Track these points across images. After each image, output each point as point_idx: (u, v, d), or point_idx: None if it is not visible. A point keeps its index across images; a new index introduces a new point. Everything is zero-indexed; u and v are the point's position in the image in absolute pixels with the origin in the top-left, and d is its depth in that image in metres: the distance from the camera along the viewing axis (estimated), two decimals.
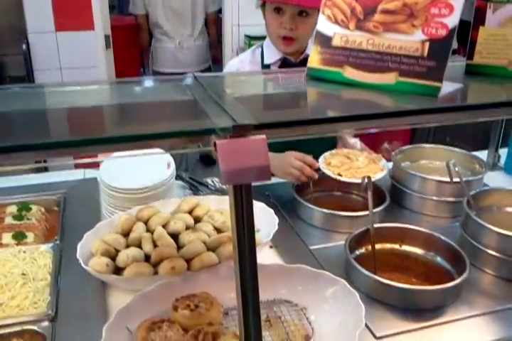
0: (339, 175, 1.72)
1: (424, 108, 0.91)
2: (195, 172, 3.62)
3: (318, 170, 1.73)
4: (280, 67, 1.96)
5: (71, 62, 3.47)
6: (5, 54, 3.35)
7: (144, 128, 0.82)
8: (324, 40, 1.06)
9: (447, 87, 1.00)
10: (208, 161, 3.96)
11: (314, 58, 1.08)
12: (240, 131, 0.80)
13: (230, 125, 0.79)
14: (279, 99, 1.01)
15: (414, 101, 0.96)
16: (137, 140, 0.77)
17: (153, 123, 0.87)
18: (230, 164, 0.80)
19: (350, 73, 1.04)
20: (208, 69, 4.21)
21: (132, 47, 4.24)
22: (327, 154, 1.86)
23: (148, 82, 1.11)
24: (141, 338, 1.12)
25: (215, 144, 0.81)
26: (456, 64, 1.20)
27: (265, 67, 1.96)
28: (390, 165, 1.87)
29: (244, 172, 0.81)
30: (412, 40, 0.96)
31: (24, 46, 3.29)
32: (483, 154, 2.09)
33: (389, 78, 1.00)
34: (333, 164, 1.76)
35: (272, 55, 1.97)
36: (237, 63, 2.05)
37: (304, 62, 1.98)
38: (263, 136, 0.81)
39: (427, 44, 0.95)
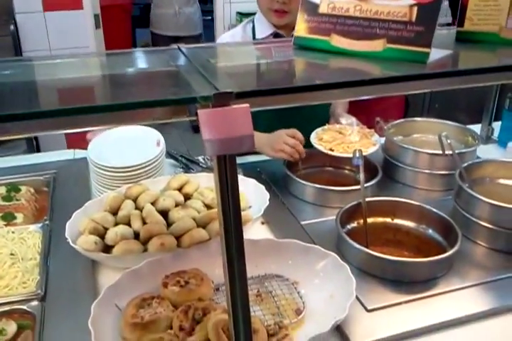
0: (331, 150, 1.70)
1: (413, 74, 0.88)
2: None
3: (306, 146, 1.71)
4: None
5: (60, 43, 3.41)
6: None
7: (123, 98, 0.79)
8: (311, 8, 1.02)
9: (436, 54, 0.97)
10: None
11: (301, 27, 1.05)
12: (222, 99, 0.77)
13: (211, 93, 0.77)
14: (263, 69, 0.98)
15: (403, 67, 0.94)
16: (116, 109, 0.74)
17: (135, 94, 0.84)
18: (213, 134, 0.78)
19: (338, 41, 1.01)
20: (200, 36, 4.98)
21: (123, 26, 4.17)
22: (319, 130, 1.84)
23: (132, 54, 1.08)
24: (130, 315, 1.11)
25: (197, 114, 0.79)
26: (446, 32, 1.17)
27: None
28: (383, 140, 1.85)
29: (227, 142, 0.79)
30: (399, 5, 0.93)
31: (12, 27, 3.22)
32: (477, 128, 2.07)
33: (377, 45, 0.97)
34: (324, 139, 1.74)
35: (264, 29, 1.94)
36: (228, 37, 2.01)
37: None
38: (246, 105, 0.79)
39: (415, 9, 0.92)
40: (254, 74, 0.93)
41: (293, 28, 1.86)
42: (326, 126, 1.84)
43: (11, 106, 0.76)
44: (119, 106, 0.74)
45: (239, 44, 1.49)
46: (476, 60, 1.04)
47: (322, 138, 1.76)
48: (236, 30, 2.04)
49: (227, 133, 0.79)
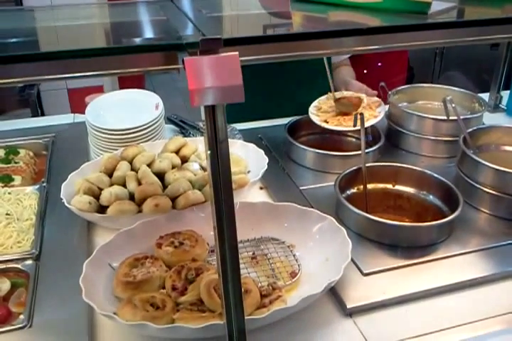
0: (325, 121, 1.65)
1: (412, 24, 0.84)
2: None
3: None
4: None
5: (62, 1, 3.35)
6: None
7: (108, 44, 0.76)
8: None
9: (438, 6, 0.93)
10: None
11: None
12: (209, 45, 0.74)
13: (198, 39, 0.73)
14: (256, 19, 0.94)
15: (403, 19, 0.90)
16: (103, 54, 0.72)
17: (122, 41, 0.81)
18: (199, 83, 0.75)
19: None
20: None
21: None
22: (323, 98, 1.80)
23: (124, 6, 1.05)
24: (123, 274, 1.11)
25: (183, 62, 0.76)
26: None
27: None
28: (387, 107, 1.81)
29: (214, 92, 0.76)
30: None
31: None
32: (486, 97, 2.01)
33: None
34: (323, 109, 1.70)
35: None
36: None
37: None
38: (235, 53, 0.75)
39: None
40: (245, 24, 0.89)
41: None
42: (330, 94, 1.80)
43: (11, 50, 0.74)
44: (100, 51, 0.71)
45: None
46: (480, 13, 0.99)
47: (321, 108, 1.71)
48: None
49: (214, 83, 0.75)
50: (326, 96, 1.81)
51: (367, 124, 1.59)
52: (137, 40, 0.85)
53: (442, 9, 0.94)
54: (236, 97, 0.78)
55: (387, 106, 1.79)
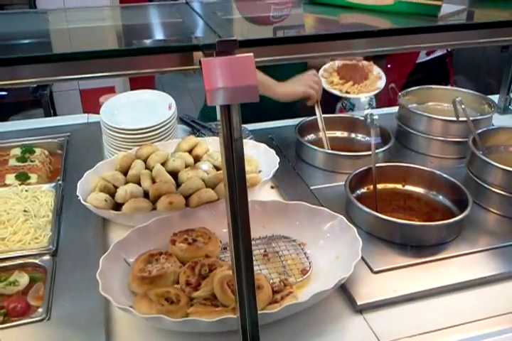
0: (347, 92, 1.68)
1: (423, 26, 0.86)
2: None
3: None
4: None
5: (76, 2, 3.37)
6: (10, 3, 3.29)
7: (126, 46, 0.79)
8: None
9: (449, 8, 0.95)
10: None
11: None
12: (225, 47, 0.76)
13: (215, 41, 0.76)
14: (271, 21, 0.96)
15: (414, 21, 0.92)
16: (121, 55, 0.74)
17: (140, 42, 0.84)
18: (215, 83, 0.77)
19: None
20: None
21: None
22: (322, 72, 1.82)
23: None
24: (138, 269, 1.13)
25: (200, 62, 0.78)
26: None
27: None
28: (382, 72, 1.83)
29: (230, 92, 0.78)
30: None
31: None
32: (495, 99, 2.02)
33: None
34: (336, 82, 1.72)
35: None
36: None
37: None
38: (250, 54, 0.78)
39: None
40: (260, 26, 0.92)
41: None
42: (327, 66, 1.81)
43: (26, 51, 0.77)
44: (121, 52, 0.74)
45: None
46: (490, 15, 1.01)
47: (333, 82, 1.73)
48: None
49: (230, 83, 0.78)
50: (323, 68, 1.83)
51: (381, 86, 1.62)
52: (154, 42, 0.88)
53: (452, 12, 0.96)
54: (251, 97, 0.80)
55: (379, 69, 1.81)
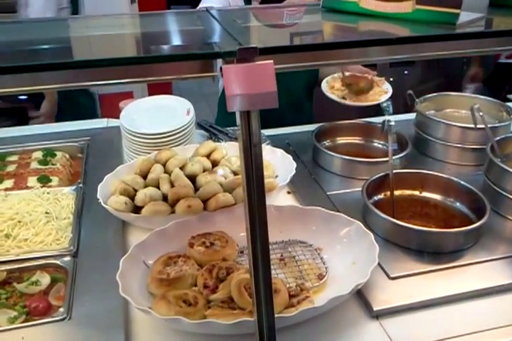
0: (343, 98, 1.70)
1: (440, 34, 0.87)
2: None
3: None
4: (261, 2, 2.02)
5: (95, 10, 3.44)
6: None
7: (149, 53, 0.81)
8: None
9: (467, 16, 0.96)
10: None
11: None
12: (246, 54, 0.78)
13: (236, 48, 0.78)
14: (290, 29, 0.98)
15: (432, 29, 0.92)
16: (143, 62, 0.77)
17: (161, 50, 0.86)
18: (236, 89, 0.79)
19: (366, 3, 1.00)
20: None
21: (157, 2, 4.20)
22: (329, 78, 1.84)
23: (161, 16, 1.10)
24: (156, 271, 1.15)
25: (221, 69, 0.80)
26: None
27: (246, 1, 2.01)
28: (414, 115, 1.83)
29: (251, 98, 0.80)
30: None
31: None
32: None
33: (406, 6, 0.96)
34: (336, 87, 1.74)
35: None
36: None
37: None
38: (270, 61, 0.79)
39: None
40: (279, 33, 0.94)
41: None
42: (336, 75, 1.83)
43: (46, 58, 0.79)
44: (144, 59, 0.76)
45: (267, 7, 1.49)
46: (508, 23, 1.02)
47: (334, 87, 1.75)
48: None
49: (250, 89, 0.80)
50: (331, 76, 1.85)
51: (381, 99, 1.65)
52: (175, 49, 0.90)
53: (470, 20, 0.96)
54: (270, 103, 0.82)
55: (389, 86, 1.82)
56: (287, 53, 0.81)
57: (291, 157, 1.58)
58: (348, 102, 1.70)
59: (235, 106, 0.80)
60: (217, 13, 1.03)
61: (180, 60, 0.79)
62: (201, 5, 2.05)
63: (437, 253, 1.30)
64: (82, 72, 0.78)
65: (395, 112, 2.13)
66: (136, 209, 1.36)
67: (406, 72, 3.43)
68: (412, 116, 1.89)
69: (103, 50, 0.89)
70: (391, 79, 2.39)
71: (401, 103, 2.03)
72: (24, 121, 3.63)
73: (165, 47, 0.89)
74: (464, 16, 0.95)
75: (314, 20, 1.03)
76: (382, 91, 1.75)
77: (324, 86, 1.79)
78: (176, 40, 0.93)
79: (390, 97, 1.81)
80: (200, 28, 0.95)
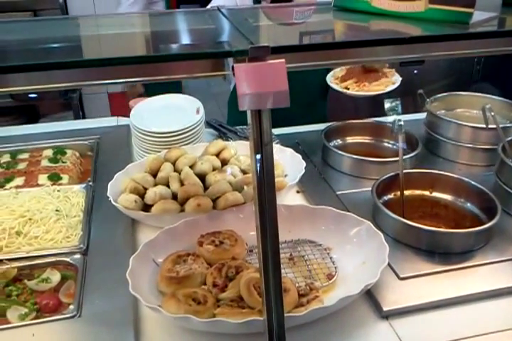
0: (346, 88, 1.68)
1: (454, 33, 0.86)
2: None
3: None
4: (272, 1, 2.03)
5: (106, 9, 3.46)
6: (42, 9, 3.38)
7: (161, 51, 0.81)
8: None
9: (480, 16, 0.95)
10: None
11: None
12: (257, 53, 0.78)
13: (247, 47, 0.78)
14: (301, 27, 0.98)
15: (444, 28, 0.92)
16: (155, 61, 0.77)
17: (173, 48, 0.86)
18: (247, 88, 0.79)
19: (379, 2, 0.99)
20: None
21: (168, 1, 4.21)
22: (337, 70, 1.83)
23: (173, 14, 1.10)
24: (166, 269, 1.16)
25: (233, 68, 0.80)
26: None
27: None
28: (424, 115, 1.82)
29: (262, 97, 0.80)
30: None
31: (61, 0, 3.32)
32: None
33: (418, 5, 0.95)
34: (340, 78, 1.74)
35: None
36: None
37: None
38: (282, 60, 0.79)
39: None
40: (291, 32, 0.94)
41: None
42: (344, 67, 1.82)
43: (57, 57, 0.80)
44: (155, 58, 0.76)
45: (278, 6, 1.49)
46: None
47: (338, 77, 1.75)
48: None
49: (262, 88, 0.80)
50: (340, 68, 1.84)
51: (387, 89, 1.63)
52: (188, 48, 0.90)
53: (484, 19, 0.96)
54: (282, 102, 0.82)
55: (399, 77, 1.80)
56: (299, 52, 0.81)
57: (300, 156, 1.58)
58: (350, 92, 1.68)
59: (246, 105, 0.80)
60: (228, 12, 1.03)
61: (191, 59, 0.80)
62: (211, 5, 2.06)
63: (447, 253, 1.30)
64: (94, 71, 0.79)
65: (405, 112, 2.12)
66: (146, 208, 1.36)
67: (416, 71, 3.41)
68: (422, 115, 1.88)
69: (114, 48, 0.89)
70: (401, 78, 2.38)
71: (411, 102, 2.02)
72: (34, 119, 3.67)
73: (176, 46, 0.89)
74: (477, 16, 0.94)
75: (326, 19, 1.03)
76: (390, 82, 1.72)
77: (329, 76, 1.79)
78: (188, 39, 0.93)
79: (398, 97, 1.79)
80: (211, 26, 0.95)
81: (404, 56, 0.89)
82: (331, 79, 1.76)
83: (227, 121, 2.16)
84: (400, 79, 1.76)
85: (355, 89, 1.69)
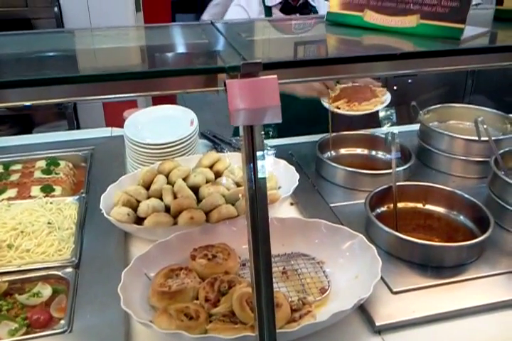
0: (337, 108, 1.74)
1: (444, 49, 0.86)
2: None
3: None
4: (281, 9, 2.14)
5: (102, 25, 3.49)
6: (37, 17, 3.39)
7: (154, 67, 0.81)
8: None
9: (471, 31, 0.96)
10: None
11: (334, 3, 1.04)
12: (250, 69, 0.78)
13: (240, 63, 0.78)
14: (294, 43, 0.98)
15: (436, 43, 0.92)
16: (146, 77, 0.77)
17: (166, 64, 0.87)
18: (240, 104, 0.79)
19: (371, 17, 1.00)
20: None
21: (163, 11, 4.23)
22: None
23: (167, 28, 1.11)
24: (158, 284, 1.15)
25: (225, 84, 0.80)
26: (484, 11, 1.14)
27: (267, 8, 2.12)
28: (417, 126, 1.83)
29: (254, 113, 0.80)
30: None
31: (56, 9, 3.32)
32: None
33: (410, 21, 0.96)
34: (333, 97, 1.79)
35: None
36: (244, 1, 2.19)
37: (303, 6, 2.14)
38: (274, 76, 0.79)
39: None
40: (283, 47, 0.94)
41: None
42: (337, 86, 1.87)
43: (51, 72, 0.80)
44: (149, 74, 0.76)
45: (271, 20, 1.50)
46: None
47: (332, 97, 1.80)
48: None
49: (254, 104, 0.80)
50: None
51: (374, 109, 1.68)
52: (180, 64, 0.90)
53: (475, 34, 0.96)
54: (274, 118, 0.82)
55: (389, 96, 1.84)
56: (291, 68, 0.81)
57: (294, 168, 1.58)
58: (340, 111, 1.74)
59: (239, 120, 0.80)
60: (221, 26, 1.03)
61: (184, 75, 0.80)
62: (226, 17, 2.18)
63: (440, 267, 1.29)
64: (89, 86, 0.78)
65: (400, 120, 2.14)
66: (139, 220, 1.36)
67: (410, 80, 3.44)
68: (415, 127, 1.89)
69: (109, 64, 0.89)
70: (395, 87, 2.40)
71: (405, 112, 2.03)
72: (29, 127, 3.66)
73: (170, 61, 0.89)
74: (469, 31, 0.95)
75: (319, 33, 1.04)
76: (379, 102, 1.78)
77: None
78: (181, 55, 0.93)
79: (393, 106, 1.83)
80: (204, 41, 0.96)
81: (396, 72, 0.89)
82: (324, 99, 1.81)
83: (233, 131, 2.19)
84: (390, 98, 1.81)
85: (345, 108, 1.75)
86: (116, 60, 0.91)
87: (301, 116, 2.01)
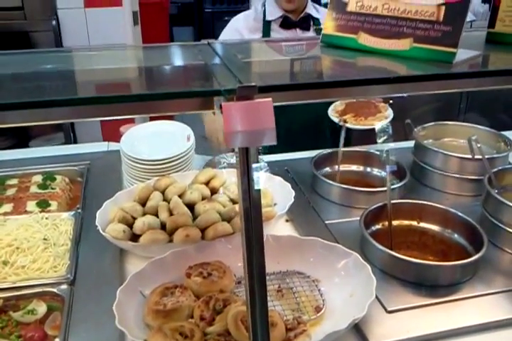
0: (345, 121, 1.77)
1: (435, 73, 0.88)
2: None
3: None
4: (281, 24, 2.17)
5: (99, 39, 3.50)
6: (35, 30, 3.41)
7: (150, 90, 0.83)
8: (339, 6, 1.04)
9: (464, 54, 0.98)
10: None
11: (329, 25, 1.06)
12: (245, 92, 0.79)
13: (235, 86, 0.79)
14: (289, 65, 1.00)
15: (429, 67, 0.94)
16: (140, 100, 0.78)
17: (162, 86, 0.88)
18: (235, 126, 0.80)
19: (365, 39, 1.02)
20: None
21: (160, 24, 4.27)
22: (337, 103, 1.90)
23: (163, 48, 1.12)
24: (153, 302, 1.15)
25: (221, 106, 0.81)
26: (476, 33, 1.16)
27: (266, 23, 2.16)
28: (412, 143, 1.85)
29: (249, 135, 0.81)
30: (427, 4, 0.94)
31: (54, 22, 3.35)
32: (510, 135, 2.02)
33: (404, 44, 0.98)
34: (340, 111, 1.83)
35: (274, 12, 2.17)
36: (242, 16, 2.25)
37: (303, 20, 2.16)
38: (269, 99, 0.81)
39: (443, 8, 0.92)
40: (279, 70, 0.95)
41: (300, 12, 2.05)
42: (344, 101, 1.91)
43: (50, 94, 0.81)
44: (146, 97, 0.78)
45: (267, 40, 1.52)
46: (505, 61, 1.03)
47: (338, 111, 1.84)
48: (249, 11, 2.29)
49: (249, 126, 0.81)
50: (340, 101, 1.92)
51: (380, 124, 1.70)
52: (177, 87, 0.91)
53: (467, 58, 0.98)
54: (269, 140, 0.83)
55: (391, 111, 1.89)
56: (286, 91, 0.82)
57: (289, 185, 1.58)
58: (347, 125, 1.78)
59: (234, 143, 0.81)
60: (218, 46, 1.05)
61: (182, 98, 0.81)
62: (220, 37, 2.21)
63: (435, 286, 1.30)
64: (85, 108, 0.79)
65: (396, 135, 2.15)
66: (135, 237, 1.36)
67: (405, 95, 3.48)
68: (410, 143, 1.91)
69: (105, 86, 0.90)
70: (391, 101, 2.42)
71: (401, 126, 2.05)
72: (25, 140, 3.66)
73: (167, 83, 0.90)
74: (461, 54, 0.96)
75: (313, 55, 1.05)
76: (383, 116, 1.83)
77: (331, 109, 1.88)
78: (177, 77, 0.95)
79: (390, 121, 1.88)
80: (201, 62, 0.97)
81: (390, 95, 0.91)
82: (332, 113, 1.86)
83: None
84: (392, 113, 1.86)
85: (352, 122, 1.79)
86: (114, 82, 0.92)
87: (304, 129, 2.03)
